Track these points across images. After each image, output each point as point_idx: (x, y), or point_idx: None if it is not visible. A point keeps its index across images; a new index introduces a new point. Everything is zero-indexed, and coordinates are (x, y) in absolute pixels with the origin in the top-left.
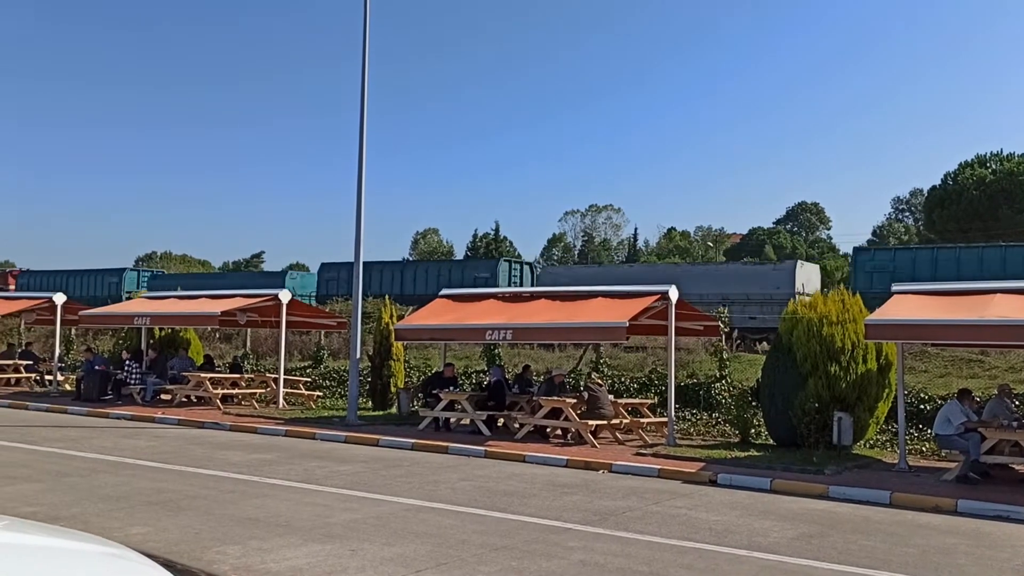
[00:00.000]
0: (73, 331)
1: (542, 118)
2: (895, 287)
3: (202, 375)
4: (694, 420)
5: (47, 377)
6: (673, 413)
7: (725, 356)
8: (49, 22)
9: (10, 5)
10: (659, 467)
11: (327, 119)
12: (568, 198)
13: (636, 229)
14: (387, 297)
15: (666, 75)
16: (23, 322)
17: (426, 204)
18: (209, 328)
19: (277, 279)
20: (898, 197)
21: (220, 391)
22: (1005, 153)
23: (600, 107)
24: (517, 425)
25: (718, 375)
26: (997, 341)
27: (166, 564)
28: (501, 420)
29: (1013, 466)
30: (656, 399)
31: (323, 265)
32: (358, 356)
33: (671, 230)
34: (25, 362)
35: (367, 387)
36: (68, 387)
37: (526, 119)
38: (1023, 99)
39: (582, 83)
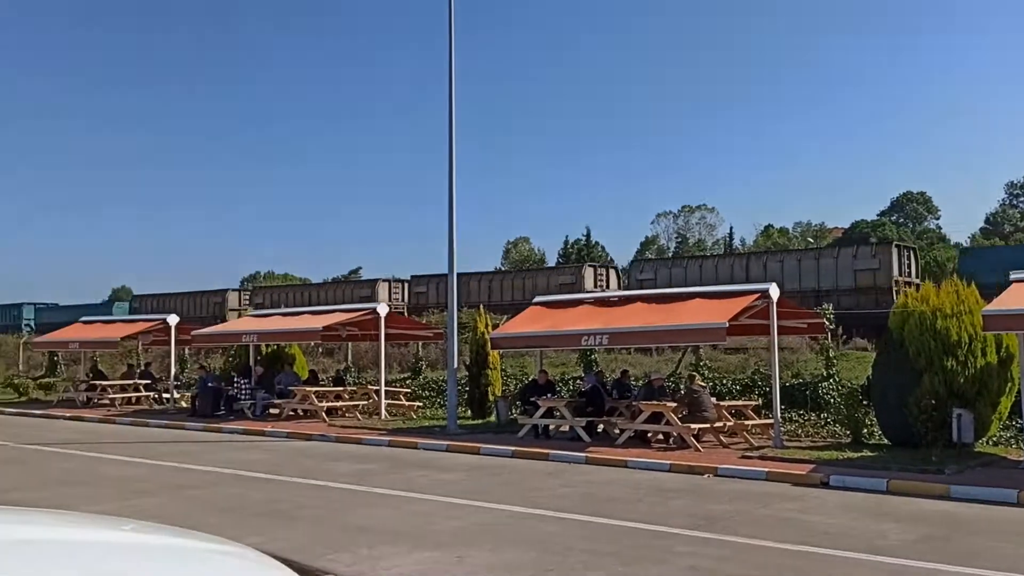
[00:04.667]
0: (186, 350)
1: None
2: (1013, 275)
3: (308, 389)
4: (801, 421)
5: (164, 395)
6: (779, 414)
7: (831, 354)
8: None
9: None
10: (767, 470)
11: (420, 132)
12: (661, 199)
13: (731, 228)
14: (481, 307)
15: (764, 83)
16: (140, 343)
17: (518, 213)
18: (312, 343)
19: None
20: (1013, 182)
21: (325, 404)
22: None
23: (697, 111)
24: (617, 431)
25: (825, 374)
26: None
27: (285, 562)
28: (601, 426)
29: None
30: (760, 400)
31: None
32: (455, 366)
33: (768, 227)
34: (144, 381)
35: (465, 396)
36: (184, 404)
37: (619, 124)
38: None
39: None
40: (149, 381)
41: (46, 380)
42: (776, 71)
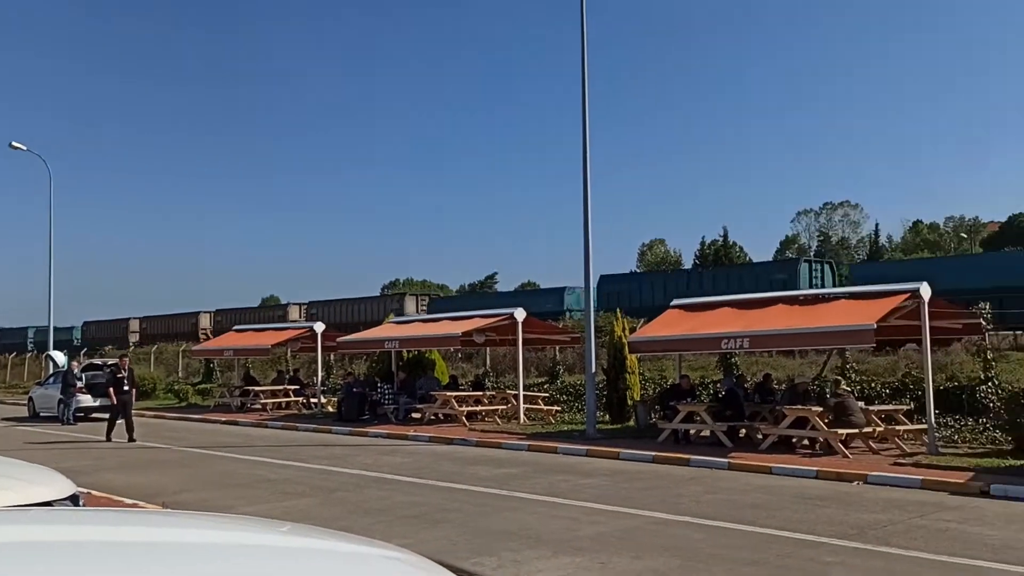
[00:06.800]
0: (332, 357)
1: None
2: None
3: (448, 394)
4: (957, 427)
5: (312, 400)
6: (933, 419)
7: (990, 356)
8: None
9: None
10: (921, 477)
11: (551, 137)
12: (799, 197)
13: (877, 225)
14: (618, 310)
15: (906, 73)
16: (289, 350)
17: (649, 214)
18: (452, 348)
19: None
20: None
21: (465, 408)
22: None
23: (832, 104)
24: (760, 436)
25: (983, 377)
26: None
27: (453, 569)
28: (743, 431)
29: None
30: (912, 405)
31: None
32: (593, 370)
33: (917, 223)
34: (293, 387)
35: (604, 400)
36: (330, 409)
37: (754, 122)
38: None
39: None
40: (298, 387)
41: (203, 386)
42: (918, 59)
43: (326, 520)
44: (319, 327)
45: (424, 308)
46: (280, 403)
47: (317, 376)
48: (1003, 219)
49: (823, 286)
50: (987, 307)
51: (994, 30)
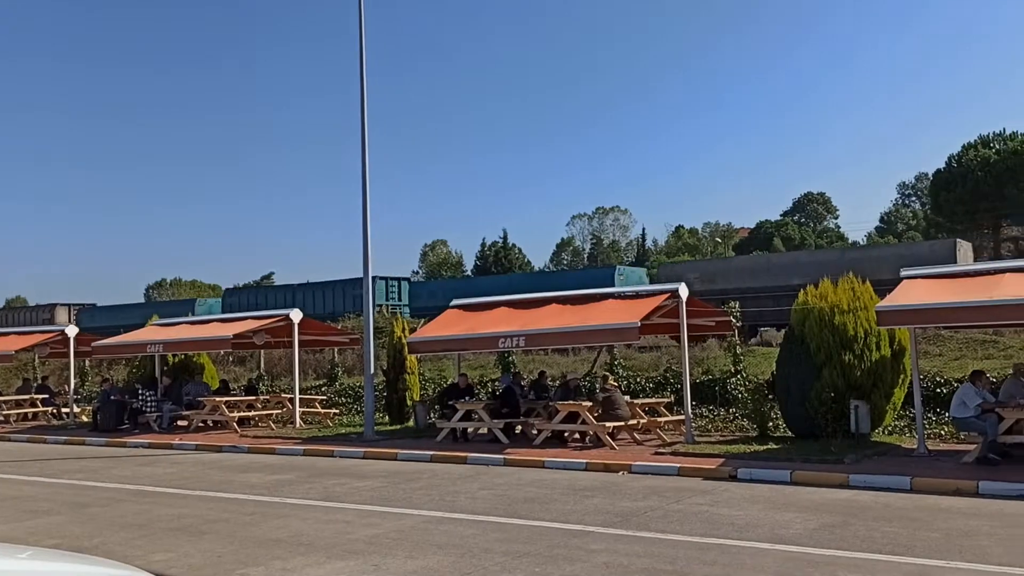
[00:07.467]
0: (87, 362)
1: (550, 128)
2: (904, 272)
3: (218, 399)
4: (711, 416)
5: (63, 410)
6: (690, 411)
7: (739, 351)
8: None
9: None
10: (678, 465)
11: (335, 133)
12: (576, 202)
13: (644, 229)
14: (398, 311)
15: (666, 85)
16: (37, 356)
17: (436, 215)
18: (222, 352)
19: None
20: (904, 182)
21: (236, 414)
22: (1008, 132)
23: (606, 115)
24: (535, 431)
25: (733, 370)
26: (1010, 320)
27: None
28: (519, 427)
29: None
30: (672, 397)
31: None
32: (372, 371)
33: (679, 228)
34: (41, 396)
35: (383, 402)
36: (85, 418)
37: (535, 128)
38: None
39: (582, 93)
40: (47, 395)
41: None
42: (673, 70)
43: (77, 538)
44: (72, 330)
45: (75, 317)
46: (26, 413)
47: (70, 383)
48: (752, 225)
49: (399, 300)
50: (737, 306)
51: (776, 41)
